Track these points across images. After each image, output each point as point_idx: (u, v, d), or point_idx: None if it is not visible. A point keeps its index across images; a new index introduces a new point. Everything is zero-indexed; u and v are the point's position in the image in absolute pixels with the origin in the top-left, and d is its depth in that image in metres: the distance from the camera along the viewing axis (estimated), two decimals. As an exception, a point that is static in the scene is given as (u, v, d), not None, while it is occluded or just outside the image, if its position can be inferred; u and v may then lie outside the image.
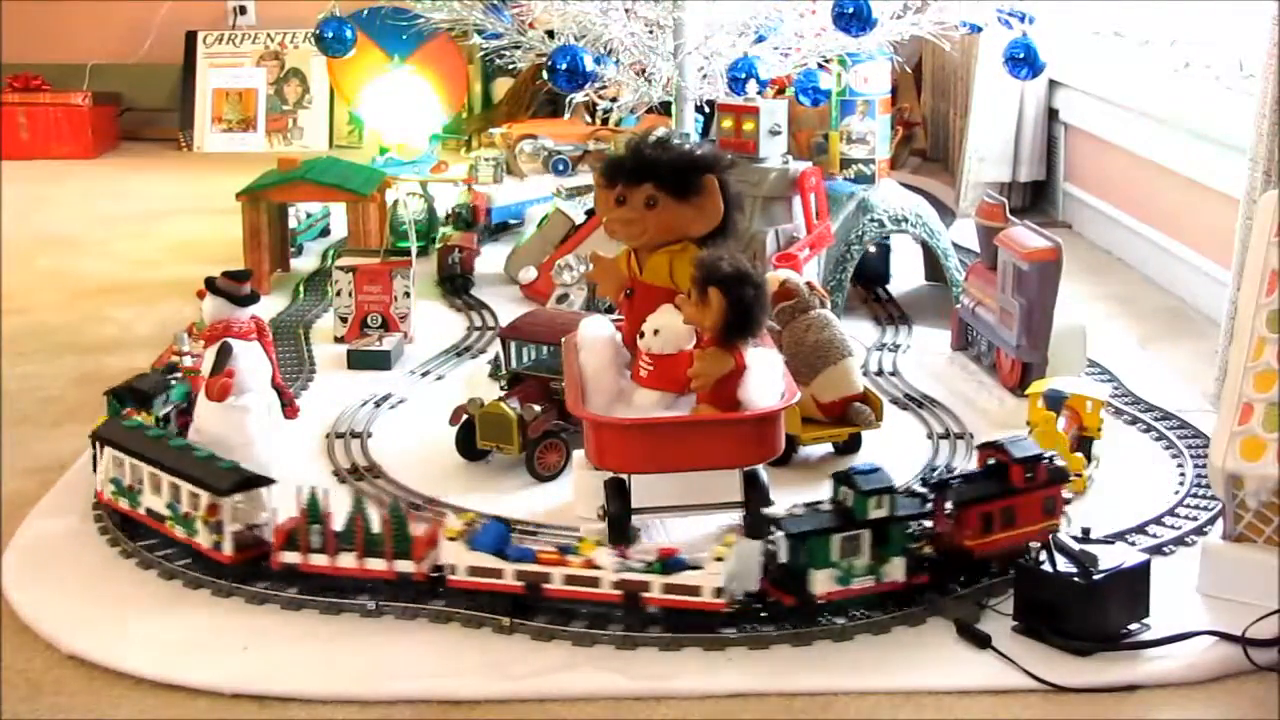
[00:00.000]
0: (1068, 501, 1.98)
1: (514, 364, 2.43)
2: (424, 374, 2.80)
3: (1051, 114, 4.21)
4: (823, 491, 2.21)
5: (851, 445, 2.37)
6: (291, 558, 1.89)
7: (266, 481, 1.98)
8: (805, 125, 4.17)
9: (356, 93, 5.30)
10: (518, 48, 3.08)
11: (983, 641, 1.76)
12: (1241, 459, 1.84)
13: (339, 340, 2.97)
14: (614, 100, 3.24)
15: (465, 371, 2.80)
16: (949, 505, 1.87)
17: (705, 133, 4.11)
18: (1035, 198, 4.34)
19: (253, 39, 5.79)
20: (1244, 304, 1.90)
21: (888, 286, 3.32)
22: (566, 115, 4.10)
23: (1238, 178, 2.59)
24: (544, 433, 2.29)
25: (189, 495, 1.96)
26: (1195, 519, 2.10)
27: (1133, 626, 1.77)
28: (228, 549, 1.92)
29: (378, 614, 1.84)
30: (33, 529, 2.12)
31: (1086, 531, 1.84)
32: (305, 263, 3.69)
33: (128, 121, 5.88)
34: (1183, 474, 2.28)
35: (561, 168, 4.51)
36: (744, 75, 2.86)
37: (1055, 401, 2.25)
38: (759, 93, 2.92)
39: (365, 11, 4.79)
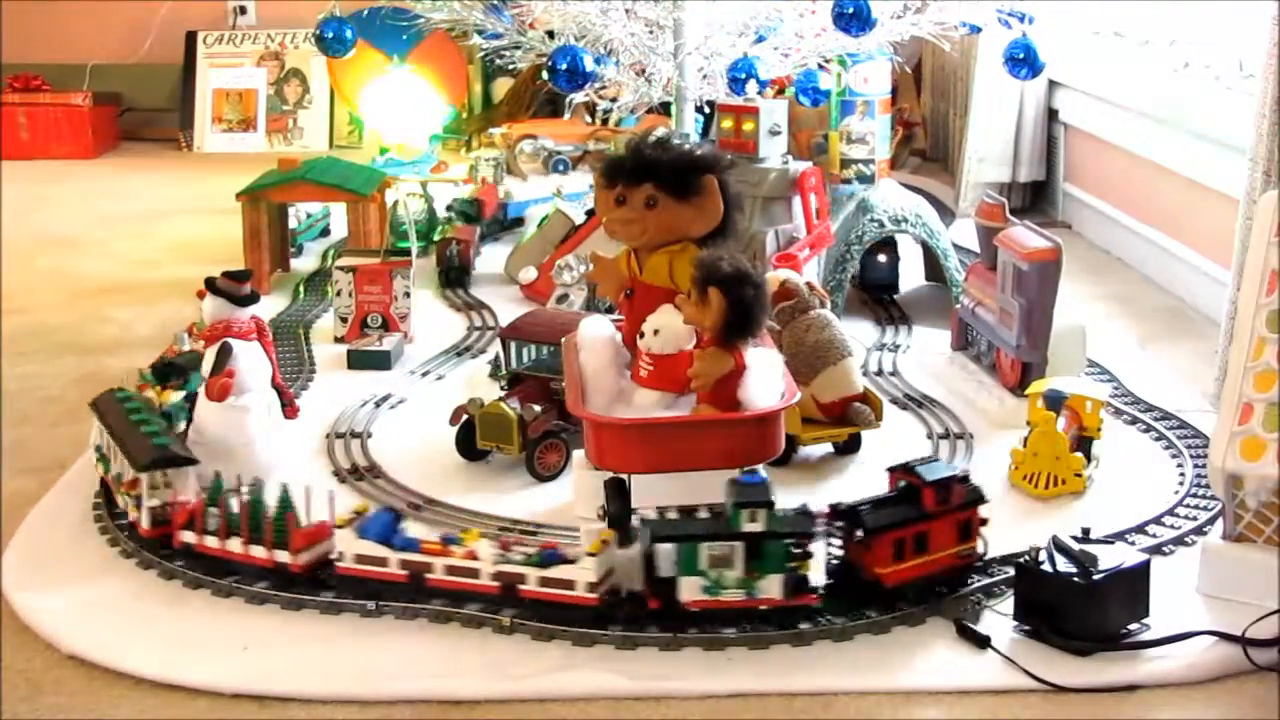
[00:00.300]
0: (984, 523, 1.88)
1: (514, 364, 2.43)
2: (424, 374, 2.80)
3: (1051, 114, 4.21)
4: (822, 492, 2.23)
5: (851, 445, 2.37)
6: (189, 537, 1.95)
7: (189, 461, 2.02)
8: (805, 125, 4.17)
9: (356, 93, 5.30)
10: (518, 48, 3.08)
11: (983, 641, 1.76)
12: (1241, 459, 1.84)
13: (339, 340, 2.97)
14: (614, 100, 3.24)
15: (465, 371, 2.80)
16: (858, 532, 1.81)
17: (705, 133, 4.11)
18: (1035, 198, 4.34)
19: (253, 39, 5.79)
20: (1244, 304, 1.90)
21: (896, 296, 3.28)
22: (566, 115, 4.11)
23: (1238, 178, 2.59)
24: (544, 433, 2.29)
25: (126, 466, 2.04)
26: (1195, 519, 2.10)
27: (1133, 626, 1.78)
28: (144, 523, 1.99)
29: (378, 614, 1.85)
30: (33, 529, 2.12)
31: (1086, 531, 1.84)
32: (305, 263, 3.69)
33: (128, 121, 5.88)
34: (1183, 474, 2.28)
35: (561, 168, 4.51)
36: (744, 75, 2.86)
37: (1055, 401, 2.25)
38: (759, 93, 2.92)
39: (365, 12, 4.79)
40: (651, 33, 3.06)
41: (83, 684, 1.73)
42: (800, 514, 1.80)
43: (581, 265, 2.97)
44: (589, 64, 2.78)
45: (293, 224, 3.71)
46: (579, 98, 3.16)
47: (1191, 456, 2.32)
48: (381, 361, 2.82)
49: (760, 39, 3.06)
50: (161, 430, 2.09)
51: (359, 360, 2.84)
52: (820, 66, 3.26)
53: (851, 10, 2.69)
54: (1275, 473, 1.81)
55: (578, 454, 2.15)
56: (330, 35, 3.12)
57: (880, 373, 2.78)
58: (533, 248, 3.45)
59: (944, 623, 1.82)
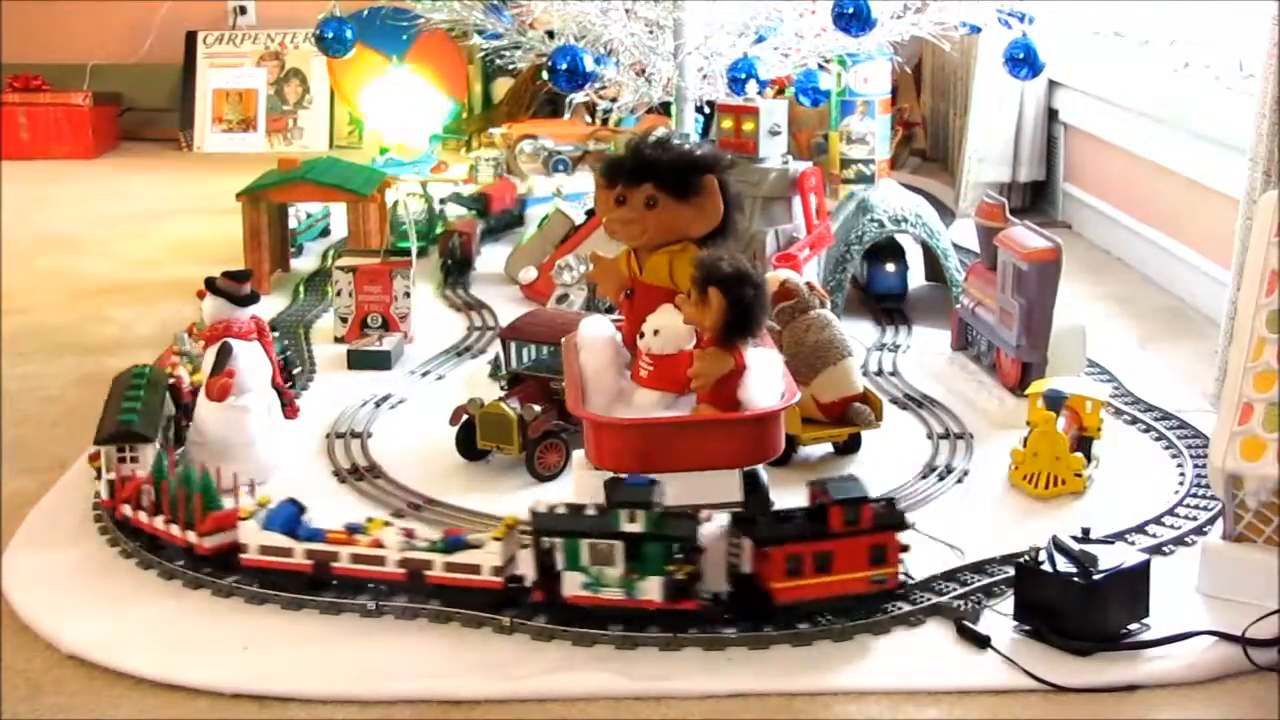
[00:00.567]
0: (905, 549, 1.82)
1: (514, 364, 2.43)
2: (424, 374, 2.80)
3: (1051, 114, 4.21)
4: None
5: (851, 445, 2.37)
6: (126, 510, 2.02)
7: (144, 438, 2.07)
8: (805, 125, 4.18)
9: (356, 93, 5.30)
10: (518, 48, 3.08)
11: (983, 642, 1.76)
12: (1241, 459, 1.84)
13: (339, 340, 2.97)
14: (614, 100, 3.24)
15: (465, 371, 2.80)
16: (748, 541, 1.78)
17: (705, 133, 4.11)
18: (1035, 198, 4.34)
19: (253, 39, 5.80)
20: (1244, 304, 1.90)
21: (903, 308, 3.19)
22: (566, 115, 4.11)
23: (1238, 178, 2.59)
24: (544, 433, 2.29)
25: None
26: (1195, 519, 2.10)
27: (1133, 626, 1.77)
28: (104, 494, 2.07)
29: (378, 614, 1.85)
30: (33, 529, 2.12)
31: (1086, 531, 1.83)
32: (305, 263, 3.69)
33: (128, 121, 5.88)
34: (1183, 474, 2.28)
35: (561, 168, 4.51)
36: (744, 75, 2.87)
37: (1055, 401, 2.25)
38: (759, 93, 2.92)
39: (365, 12, 4.79)
40: (651, 33, 3.06)
41: (83, 684, 1.73)
42: (684, 518, 1.78)
43: (581, 265, 2.97)
44: (589, 64, 2.79)
45: (293, 224, 3.71)
46: (579, 98, 3.16)
47: (1191, 456, 2.32)
48: (381, 361, 2.82)
49: (760, 39, 3.06)
50: (139, 408, 2.12)
51: (359, 360, 2.84)
52: (820, 66, 3.27)
53: (851, 10, 2.69)
54: (1275, 473, 1.81)
55: (578, 454, 2.15)
56: (330, 35, 3.12)
57: (880, 373, 2.78)
58: (533, 248, 3.45)
59: (944, 623, 1.82)
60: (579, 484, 2.13)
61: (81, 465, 2.29)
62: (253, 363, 2.25)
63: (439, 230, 3.66)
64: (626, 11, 3.04)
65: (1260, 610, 1.77)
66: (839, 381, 2.35)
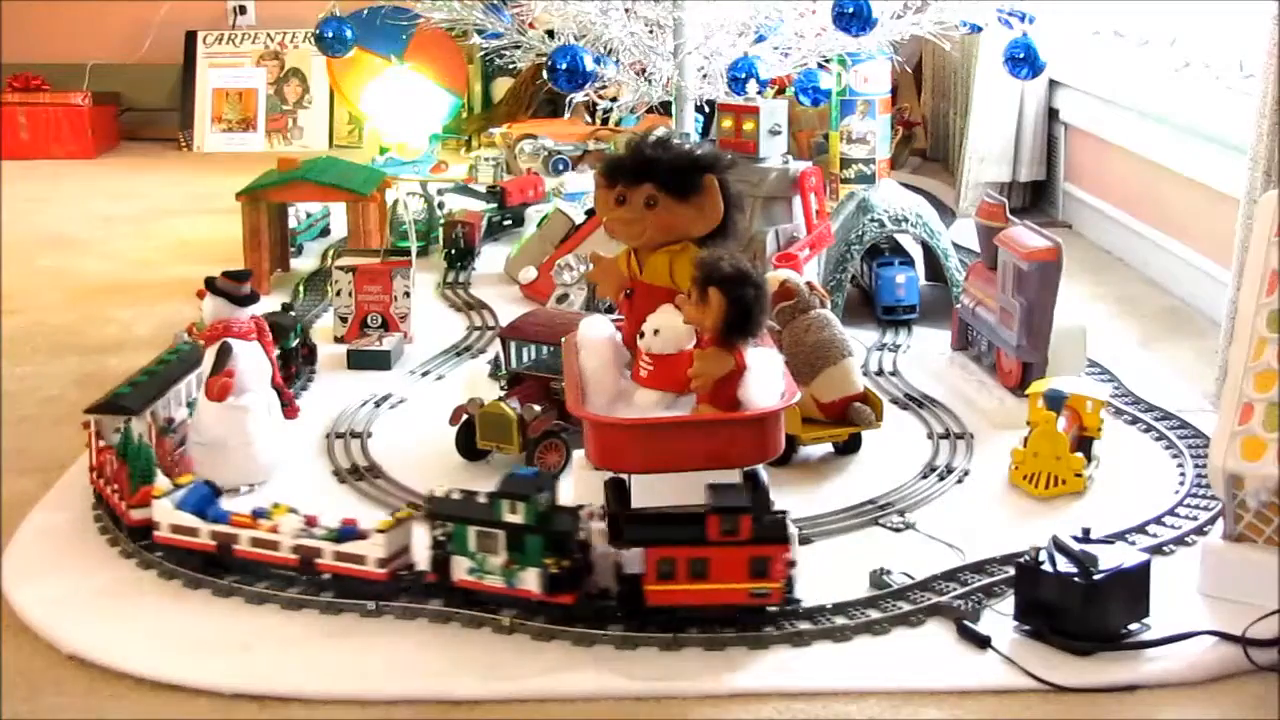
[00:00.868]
0: (792, 565, 1.79)
1: (514, 364, 2.43)
2: (424, 374, 2.80)
3: (1051, 114, 4.21)
4: (822, 492, 2.23)
5: (851, 445, 2.37)
6: (100, 481, 2.13)
7: (129, 411, 2.16)
8: (805, 125, 4.18)
9: (357, 93, 5.30)
10: (518, 48, 3.08)
11: (983, 642, 1.76)
12: (1242, 459, 1.84)
13: (339, 340, 2.97)
14: (614, 100, 3.24)
15: (465, 371, 2.80)
16: (619, 539, 1.78)
17: (705, 133, 4.11)
18: (1035, 198, 4.34)
19: (253, 39, 5.79)
20: (1244, 304, 1.90)
21: (912, 321, 3.08)
22: (566, 115, 4.10)
23: (1238, 178, 2.59)
24: (544, 433, 2.29)
25: None
26: (1195, 519, 2.10)
27: (1133, 626, 1.77)
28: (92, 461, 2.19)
29: (378, 614, 1.85)
30: (33, 529, 2.12)
31: (1086, 531, 1.83)
32: (305, 263, 3.69)
33: (128, 121, 5.88)
34: (1183, 474, 2.28)
35: (561, 167, 4.51)
36: (744, 75, 2.86)
37: (1055, 401, 2.25)
38: (759, 93, 2.92)
39: (365, 12, 4.80)
40: (651, 32, 3.06)
41: (83, 684, 1.73)
42: (564, 512, 1.80)
43: (581, 265, 2.97)
44: (589, 64, 2.78)
45: (293, 224, 3.71)
46: (579, 98, 3.15)
47: (1192, 456, 2.32)
48: (381, 361, 2.82)
49: (760, 39, 3.06)
50: (143, 381, 2.24)
51: (359, 360, 2.84)
52: (820, 66, 3.26)
53: (851, 10, 2.69)
54: (1275, 472, 1.81)
55: (578, 454, 2.15)
56: (330, 35, 3.13)
57: (880, 373, 2.78)
58: (533, 248, 3.45)
59: (944, 623, 1.82)
60: (579, 484, 2.13)
61: (81, 465, 2.28)
62: (253, 363, 2.25)
63: (441, 223, 3.70)
64: (626, 11, 3.04)
65: (1260, 610, 1.77)
66: (839, 381, 2.35)
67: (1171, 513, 2.12)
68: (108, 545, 2.05)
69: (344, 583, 1.88)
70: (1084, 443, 2.26)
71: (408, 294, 2.96)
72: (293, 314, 2.89)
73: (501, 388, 2.43)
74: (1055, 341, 2.52)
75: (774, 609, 1.78)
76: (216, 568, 1.93)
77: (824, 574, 1.93)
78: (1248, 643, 1.73)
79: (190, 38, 5.79)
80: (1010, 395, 2.53)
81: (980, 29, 3.15)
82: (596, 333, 2.01)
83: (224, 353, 2.21)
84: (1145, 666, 1.72)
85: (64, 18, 5.82)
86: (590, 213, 3.35)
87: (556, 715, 1.66)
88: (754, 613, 1.78)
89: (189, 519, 1.95)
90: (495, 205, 3.97)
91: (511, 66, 3.20)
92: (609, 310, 2.45)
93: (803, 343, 2.35)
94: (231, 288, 2.25)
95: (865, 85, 3.32)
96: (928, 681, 1.70)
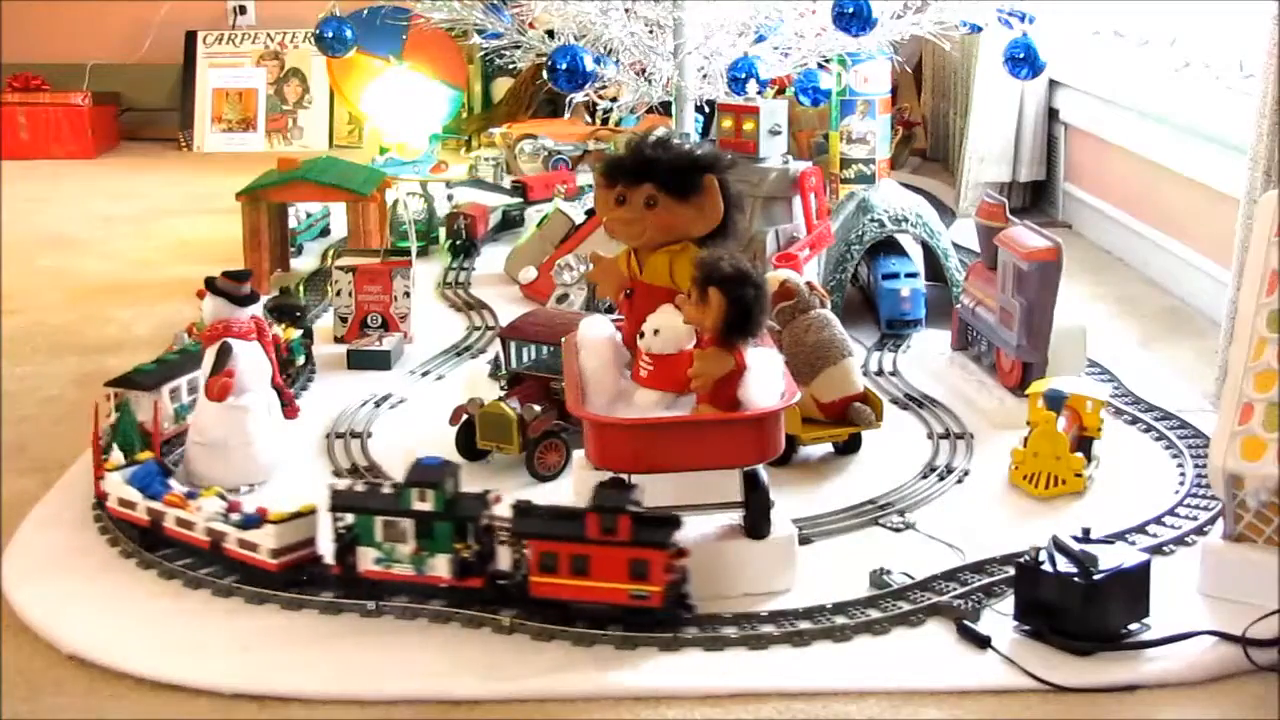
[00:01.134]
0: (668, 569, 1.76)
1: (514, 364, 2.43)
2: (424, 374, 2.80)
3: (1051, 114, 4.21)
4: (822, 492, 2.23)
5: (851, 445, 2.37)
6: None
7: (141, 386, 2.29)
8: (805, 125, 4.18)
9: (357, 93, 5.30)
10: (518, 48, 3.08)
11: (983, 642, 1.76)
12: (1242, 459, 1.84)
13: (339, 340, 2.97)
14: (614, 100, 3.24)
15: (465, 371, 2.80)
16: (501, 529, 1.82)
17: (705, 133, 4.11)
18: (1035, 198, 4.34)
19: (253, 39, 5.80)
20: (1244, 304, 1.90)
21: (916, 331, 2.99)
22: (566, 115, 4.11)
23: (1238, 178, 2.59)
24: (544, 433, 2.29)
25: None
26: (1195, 519, 2.10)
27: (1133, 626, 1.77)
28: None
29: (378, 614, 1.85)
30: (33, 529, 2.12)
31: (1086, 531, 1.83)
32: (305, 263, 3.69)
33: (128, 121, 5.88)
34: (1183, 474, 2.28)
35: (561, 168, 4.51)
36: (744, 75, 2.86)
37: (1055, 401, 2.25)
38: (759, 93, 2.92)
39: (365, 11, 4.79)
40: (651, 32, 3.06)
41: (83, 684, 1.73)
42: (473, 499, 1.83)
43: (581, 265, 2.97)
44: (589, 64, 2.78)
45: (292, 224, 3.71)
46: (579, 98, 3.15)
47: (1192, 456, 2.32)
48: (381, 361, 2.82)
49: (760, 39, 3.06)
50: (171, 359, 2.40)
51: (359, 360, 2.84)
52: (820, 66, 3.26)
53: (851, 10, 2.69)
54: (1275, 472, 1.81)
55: (578, 454, 2.15)
56: (330, 35, 3.13)
57: (880, 373, 2.78)
58: (533, 248, 3.45)
59: (944, 623, 1.82)
60: (579, 484, 2.13)
61: (81, 465, 2.29)
62: (253, 363, 2.25)
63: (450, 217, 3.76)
64: (626, 11, 3.04)
65: (1260, 610, 1.77)
66: (839, 381, 2.35)
67: (1171, 513, 2.12)
68: (108, 545, 2.05)
69: (246, 570, 1.91)
70: (1084, 443, 2.26)
71: (408, 294, 2.96)
72: (291, 298, 3.00)
73: (501, 388, 2.43)
74: (1055, 341, 2.52)
75: (661, 613, 1.77)
76: (152, 543, 1.99)
77: (824, 574, 1.93)
78: (1248, 643, 1.73)
79: (190, 38, 5.79)
80: (1010, 395, 2.53)
81: (980, 29, 3.15)
82: (596, 333, 2.01)
83: (224, 353, 2.21)
84: (1145, 666, 1.72)
85: (64, 18, 5.82)
86: (590, 213, 3.35)
87: (556, 715, 1.66)
88: (639, 614, 1.78)
89: (132, 493, 2.01)
90: (518, 200, 4.03)
91: (511, 66, 3.20)
92: (609, 310, 2.45)
93: (803, 343, 2.35)
94: (231, 288, 2.25)
95: (865, 85, 3.32)
96: (928, 681, 1.70)
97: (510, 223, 3.96)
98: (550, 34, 3.09)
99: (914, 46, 4.45)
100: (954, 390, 2.65)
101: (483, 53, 3.14)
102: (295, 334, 2.75)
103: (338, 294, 2.98)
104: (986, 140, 4.18)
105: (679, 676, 1.71)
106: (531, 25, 3.14)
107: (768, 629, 1.79)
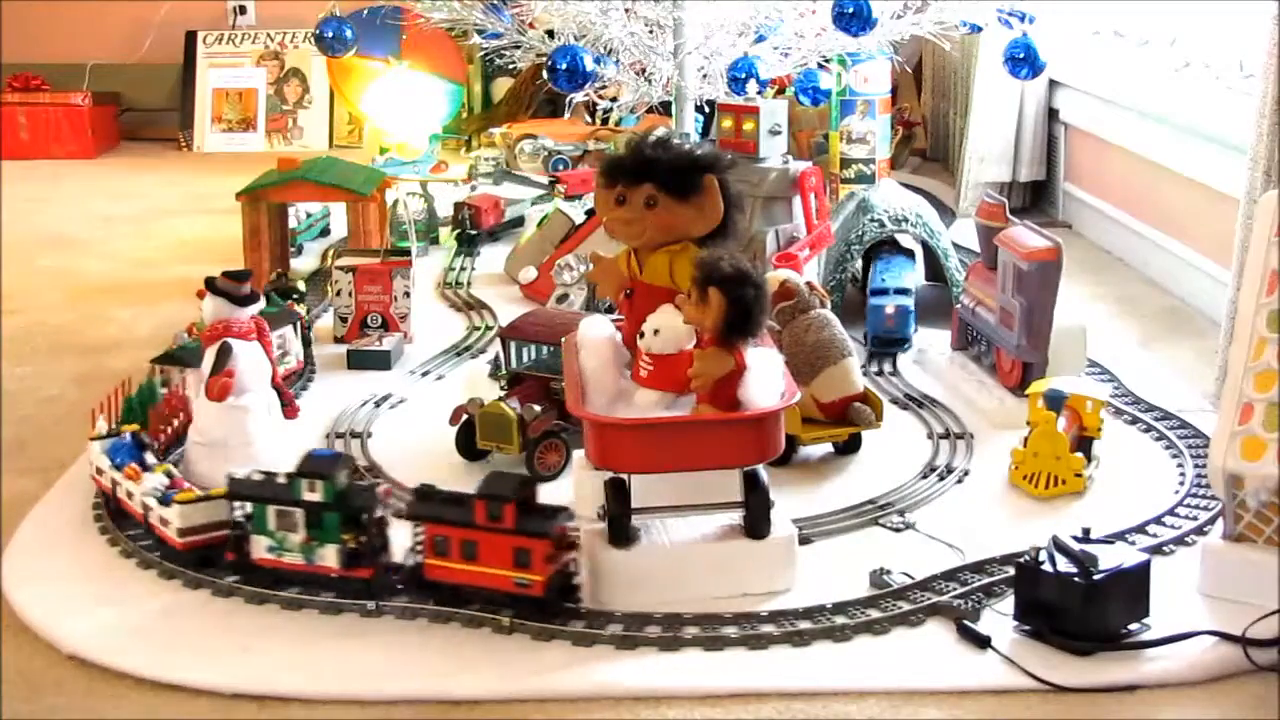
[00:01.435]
0: (550, 558, 1.78)
1: (514, 364, 2.43)
2: (424, 374, 2.80)
3: (1051, 114, 4.21)
4: (822, 492, 2.23)
5: (852, 445, 2.37)
6: None
7: (180, 362, 2.42)
8: (805, 125, 4.18)
9: (357, 93, 5.30)
10: (518, 48, 3.08)
11: (983, 642, 1.76)
12: (1242, 459, 1.84)
13: (339, 340, 2.97)
14: (614, 100, 3.24)
15: (465, 371, 2.80)
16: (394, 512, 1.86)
17: (705, 133, 4.11)
18: (1035, 198, 4.34)
19: (253, 39, 5.80)
20: (1244, 304, 1.90)
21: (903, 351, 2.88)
22: (566, 115, 4.11)
23: (1238, 178, 2.59)
24: (544, 433, 2.29)
25: None
26: (1195, 519, 2.10)
27: (1133, 626, 1.77)
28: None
29: (378, 614, 1.85)
30: (33, 529, 2.12)
31: (1086, 531, 1.83)
32: (305, 263, 3.69)
33: (128, 121, 5.88)
34: (1183, 474, 2.28)
35: (561, 167, 4.51)
36: (744, 75, 2.86)
37: (1055, 401, 2.25)
38: (759, 93, 2.92)
39: (365, 11, 4.79)
40: (651, 32, 3.05)
41: (83, 684, 1.73)
42: (362, 490, 1.87)
43: (581, 265, 2.97)
44: (589, 64, 2.78)
45: (293, 224, 3.71)
46: (579, 98, 3.15)
47: (1192, 456, 2.32)
48: (381, 361, 2.82)
49: (760, 39, 3.06)
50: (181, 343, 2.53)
51: (359, 360, 2.84)
52: (820, 66, 3.26)
53: (851, 10, 2.69)
54: (1275, 472, 1.81)
55: (578, 454, 2.15)
56: (330, 35, 3.12)
57: (880, 373, 2.78)
58: (533, 248, 3.45)
59: (944, 623, 1.82)
60: (579, 484, 2.13)
61: (81, 465, 2.28)
62: (253, 363, 2.25)
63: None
64: (626, 11, 3.04)
65: (1260, 610, 1.77)
66: (839, 381, 2.35)
67: (1171, 513, 2.12)
68: (108, 545, 2.05)
69: (163, 547, 1.97)
70: (1084, 443, 2.26)
71: (408, 294, 2.96)
72: (287, 280, 3.09)
73: (501, 388, 2.43)
74: (1055, 341, 2.52)
75: (544, 602, 1.79)
76: (115, 511, 2.07)
77: (824, 574, 1.93)
78: (1248, 643, 1.73)
79: (190, 38, 5.79)
80: (1010, 395, 2.53)
81: (980, 29, 3.15)
82: (596, 333, 2.01)
83: (224, 353, 2.21)
84: (1145, 666, 1.72)
85: (64, 18, 5.82)
86: (590, 213, 3.35)
87: (556, 715, 1.66)
88: (529, 601, 1.80)
89: (104, 461, 2.09)
90: (559, 194, 4.03)
91: (511, 66, 3.20)
92: (609, 310, 2.45)
93: (803, 343, 2.35)
94: (231, 288, 2.25)
95: (865, 85, 3.32)
96: (928, 681, 1.70)
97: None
98: (550, 34, 3.09)
99: (914, 46, 4.45)
100: (954, 390, 2.65)
101: (483, 53, 3.14)
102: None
103: (338, 294, 2.98)
104: (986, 140, 4.18)
105: (679, 676, 1.71)
106: (531, 25, 3.14)
107: (768, 629, 1.79)
